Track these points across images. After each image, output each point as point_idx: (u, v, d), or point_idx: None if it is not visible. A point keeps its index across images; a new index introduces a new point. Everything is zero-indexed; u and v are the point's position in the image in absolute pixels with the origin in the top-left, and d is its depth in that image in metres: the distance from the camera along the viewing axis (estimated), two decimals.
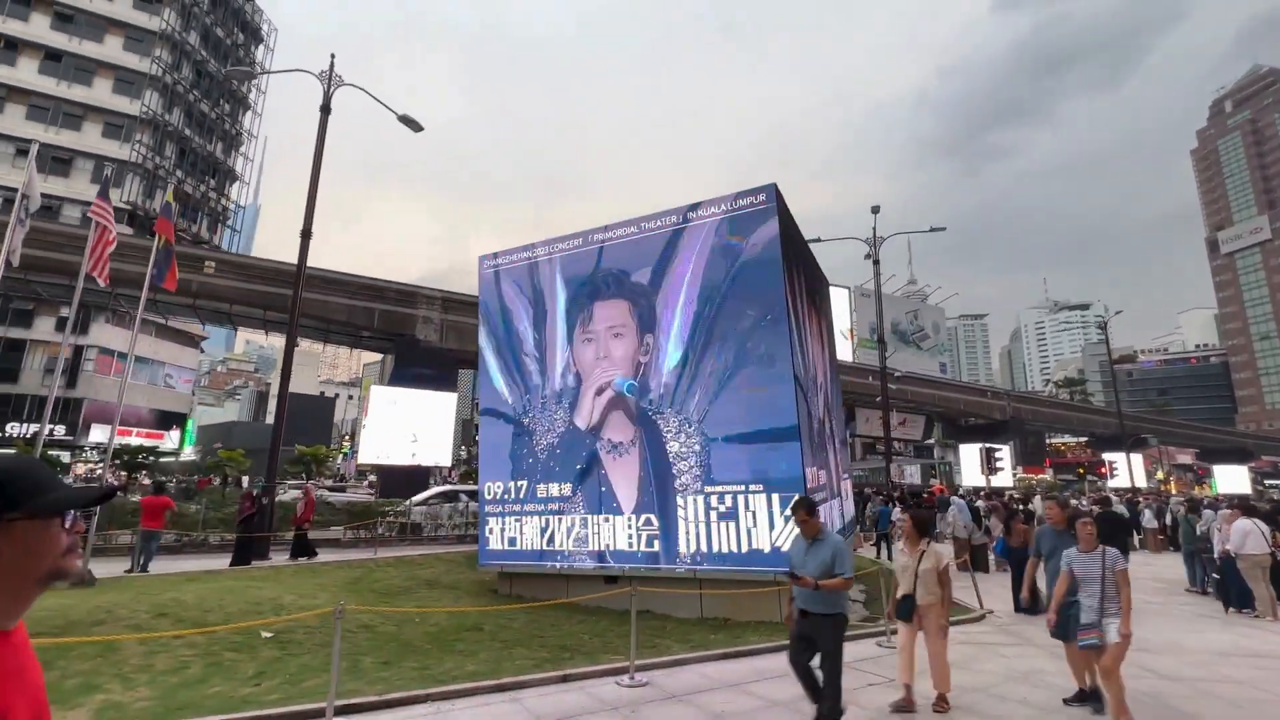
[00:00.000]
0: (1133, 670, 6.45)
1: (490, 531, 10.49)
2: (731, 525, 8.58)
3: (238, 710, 4.75)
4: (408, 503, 18.44)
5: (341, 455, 62.92)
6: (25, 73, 37.86)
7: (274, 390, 75.89)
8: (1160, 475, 66.69)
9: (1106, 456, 47.07)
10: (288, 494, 21.16)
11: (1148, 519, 18.91)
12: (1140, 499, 23.35)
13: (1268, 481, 64.76)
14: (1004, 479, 43.68)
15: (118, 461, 34.35)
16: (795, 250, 10.53)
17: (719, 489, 8.71)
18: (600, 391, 9.85)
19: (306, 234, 14.49)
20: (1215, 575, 10.48)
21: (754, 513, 8.47)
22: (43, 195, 38.64)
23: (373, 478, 30.17)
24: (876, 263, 23.64)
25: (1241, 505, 10.44)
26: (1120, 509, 19.73)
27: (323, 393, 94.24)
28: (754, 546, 8.45)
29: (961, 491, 31.44)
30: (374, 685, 5.42)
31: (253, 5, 48.94)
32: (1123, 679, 4.78)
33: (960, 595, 10.41)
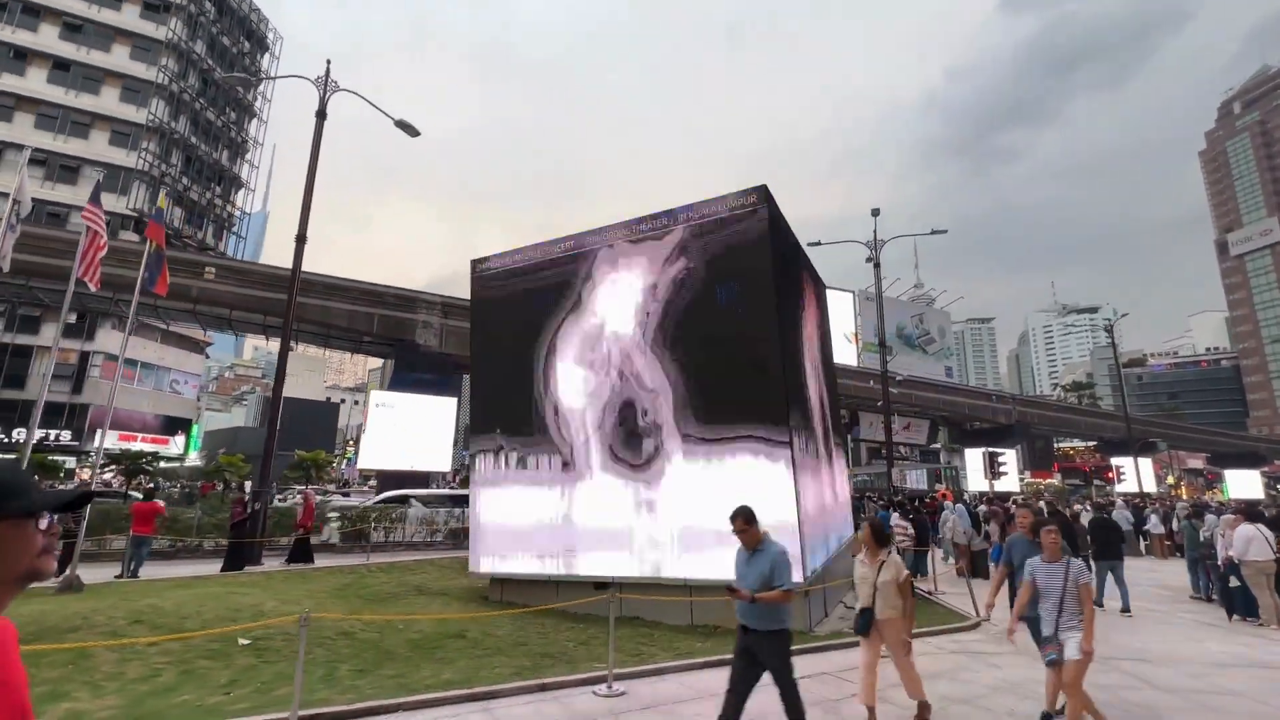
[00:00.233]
0: (1126, 680, 6.29)
1: (480, 537, 10.39)
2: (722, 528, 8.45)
3: None
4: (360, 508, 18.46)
5: (346, 460, 63.07)
6: (34, 82, 38.36)
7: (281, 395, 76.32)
8: (1171, 480, 65.93)
9: (1114, 461, 46.52)
10: (287, 500, 21.17)
11: (1154, 524, 18.62)
12: (1146, 504, 23.02)
13: None
14: (1010, 483, 43.26)
15: (116, 466, 34.61)
16: (788, 251, 10.42)
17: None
18: (591, 396, 9.76)
19: (302, 239, 14.51)
20: (1219, 582, 10.26)
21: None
22: (50, 203, 38.85)
23: (373, 482, 30.17)
24: (877, 265, 23.52)
25: (1245, 510, 10.20)
26: (1125, 514, 19.50)
27: (329, 398, 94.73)
28: None
29: (967, 497, 31.13)
30: (345, 694, 5.33)
31: (258, 14, 49.42)
32: (1088, 697, 4.58)
33: (957, 602, 10.25)
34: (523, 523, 10.01)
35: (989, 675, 6.40)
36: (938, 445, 56.95)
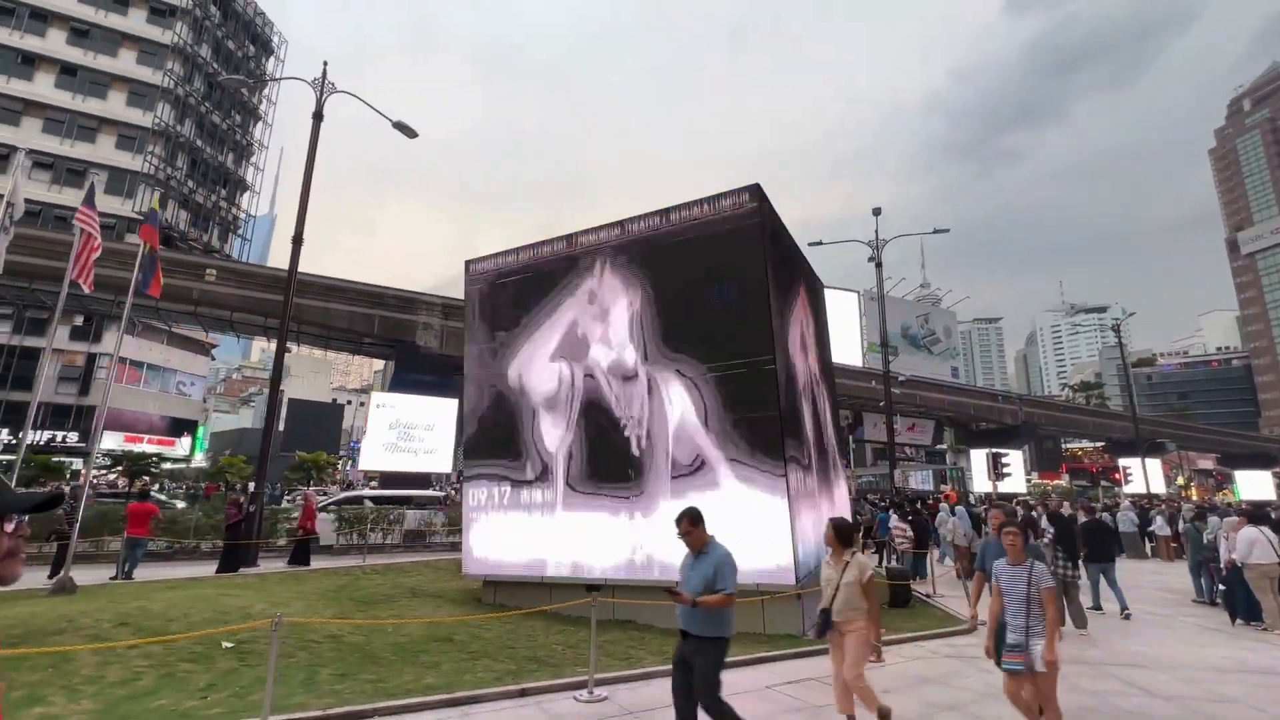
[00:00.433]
0: (1120, 686, 6.16)
1: (474, 539, 10.35)
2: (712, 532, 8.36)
3: None
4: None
5: (351, 462, 63.29)
6: (42, 87, 38.72)
7: (288, 397, 76.69)
8: (1181, 481, 65.18)
9: (1122, 462, 46.04)
10: (282, 502, 21.26)
11: (1159, 526, 18.38)
12: (1151, 505, 22.74)
13: None
14: (1017, 485, 42.89)
15: (119, 467, 34.83)
16: (782, 250, 10.32)
17: (700, 497, 8.49)
18: (583, 399, 9.70)
19: (298, 240, 14.52)
20: (1222, 585, 10.08)
21: (735, 519, 8.24)
22: (57, 206, 39.08)
23: (374, 483, 30.22)
24: (879, 265, 23.40)
25: (1248, 512, 10.02)
26: (1131, 516, 19.26)
27: (335, 400, 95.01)
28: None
29: (972, 498, 30.85)
30: (323, 699, 5.28)
31: (263, 18, 49.72)
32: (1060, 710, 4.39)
33: (955, 605, 10.12)
34: (514, 526, 9.97)
35: (979, 681, 6.28)
36: (944, 446, 56.54)
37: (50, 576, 10.38)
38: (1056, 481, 54.75)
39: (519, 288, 10.81)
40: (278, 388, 13.85)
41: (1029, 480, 53.95)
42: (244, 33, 48.14)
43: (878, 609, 4.72)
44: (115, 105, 40.07)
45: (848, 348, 41.06)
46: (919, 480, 49.81)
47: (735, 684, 6.17)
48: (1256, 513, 10.05)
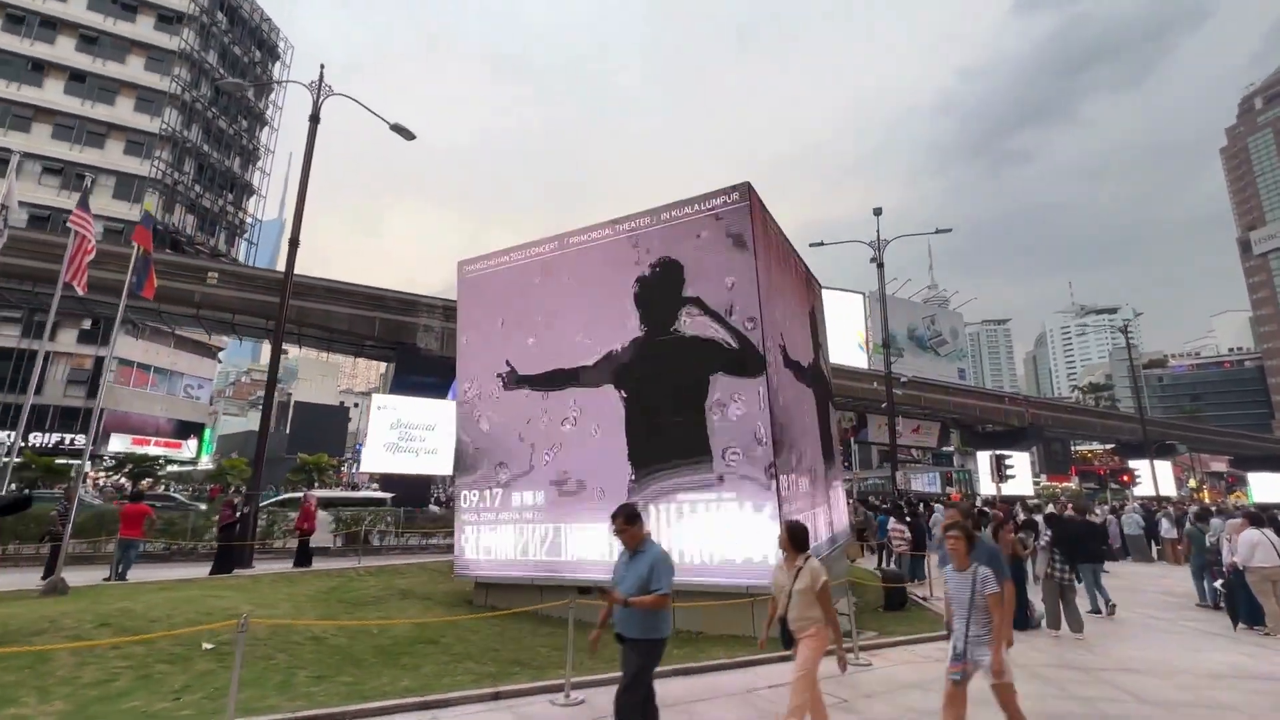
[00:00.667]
0: (1110, 692, 6.02)
1: (465, 541, 10.31)
2: (701, 533, 8.29)
3: None
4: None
5: (355, 464, 63.53)
6: (51, 93, 39.19)
7: (294, 399, 77.09)
8: (1193, 483, 64.35)
9: (1131, 464, 45.50)
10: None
11: (1165, 529, 18.10)
12: (1159, 508, 22.43)
13: None
14: (1024, 487, 42.45)
15: (124, 469, 35.06)
16: (775, 249, 10.23)
17: (690, 497, 8.43)
18: (576, 401, 9.64)
19: (294, 243, 14.58)
20: (1223, 589, 9.88)
21: (724, 520, 8.17)
22: (65, 210, 39.59)
23: (375, 485, 30.30)
24: (881, 266, 23.26)
25: (1250, 514, 9.81)
26: (1137, 518, 18.98)
27: (341, 402, 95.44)
28: (726, 556, 8.14)
29: (980, 501, 30.54)
30: (295, 701, 5.24)
31: (269, 24, 50.13)
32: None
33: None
34: (504, 528, 9.92)
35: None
36: (950, 448, 56.12)
37: (43, 578, 10.41)
38: (1066, 484, 54.16)
39: (511, 287, 10.77)
40: (273, 390, 13.88)
41: (1037, 483, 53.42)
42: (250, 39, 48.56)
43: (834, 616, 4.44)
44: (123, 111, 40.50)
45: (853, 349, 40.80)
46: (925, 482, 49.42)
47: (721, 686, 6.12)
48: (1258, 515, 9.84)
